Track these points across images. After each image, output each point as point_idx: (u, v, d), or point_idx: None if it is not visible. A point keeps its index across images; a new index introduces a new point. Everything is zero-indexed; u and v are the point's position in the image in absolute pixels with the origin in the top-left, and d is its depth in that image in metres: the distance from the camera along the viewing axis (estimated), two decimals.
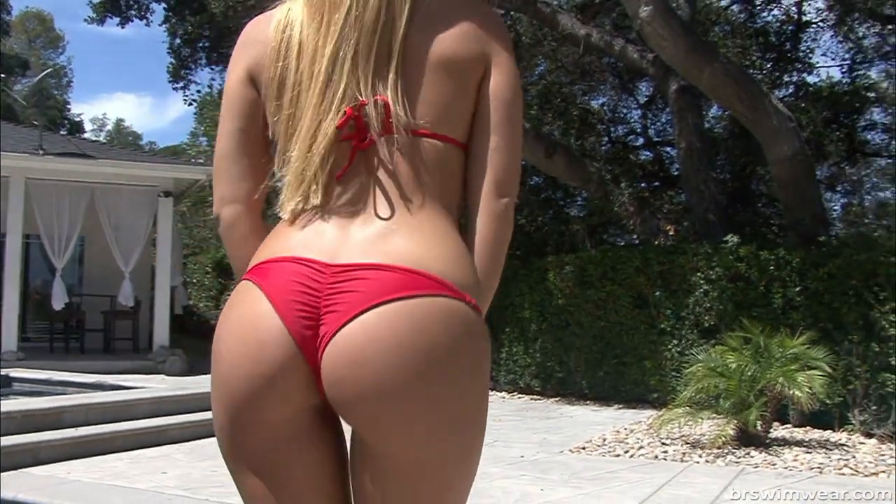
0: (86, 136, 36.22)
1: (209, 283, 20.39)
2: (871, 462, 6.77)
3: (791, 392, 7.01)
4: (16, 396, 8.72)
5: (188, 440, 7.54)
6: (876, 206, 21.13)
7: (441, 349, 1.35)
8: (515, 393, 11.63)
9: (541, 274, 11.39)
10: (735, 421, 7.26)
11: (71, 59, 53.77)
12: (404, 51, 1.48)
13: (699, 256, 9.61)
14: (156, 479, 5.89)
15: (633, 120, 18.51)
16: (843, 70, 16.56)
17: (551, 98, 15.83)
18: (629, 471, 6.49)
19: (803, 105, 14.86)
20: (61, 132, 26.97)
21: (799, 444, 7.52)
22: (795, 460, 6.79)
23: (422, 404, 1.35)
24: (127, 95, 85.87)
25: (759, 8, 15.86)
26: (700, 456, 7.03)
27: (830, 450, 7.27)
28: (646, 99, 17.76)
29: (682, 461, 6.93)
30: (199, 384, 10.49)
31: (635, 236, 14.68)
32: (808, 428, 8.28)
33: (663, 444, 7.58)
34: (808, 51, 16.05)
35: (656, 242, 12.08)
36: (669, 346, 9.79)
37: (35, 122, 16.02)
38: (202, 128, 28.40)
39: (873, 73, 17.11)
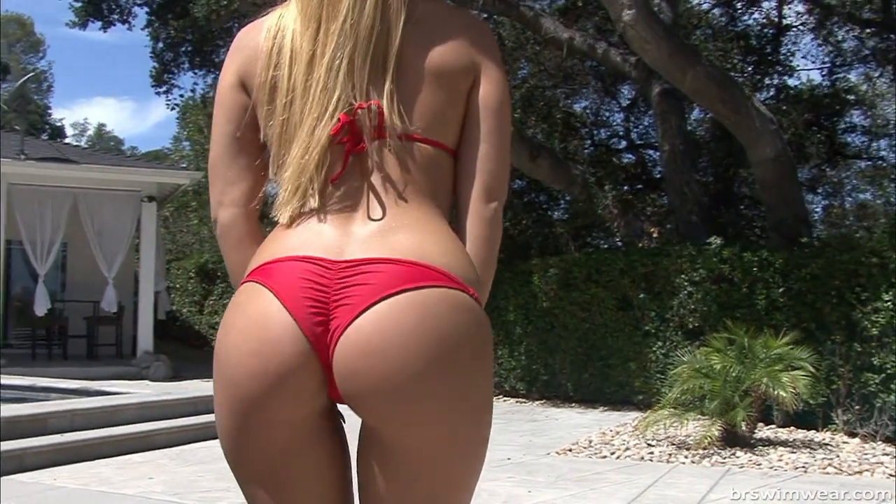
0: (67, 141, 35.96)
1: (192, 288, 20.29)
2: (854, 461, 6.83)
3: (776, 392, 7.06)
4: None
5: (174, 445, 7.52)
6: (856, 207, 21.31)
7: (452, 338, 1.38)
8: (501, 396, 11.65)
9: (525, 277, 11.41)
10: (720, 422, 7.30)
11: (51, 63, 53.38)
12: (398, 59, 1.51)
13: (683, 258, 9.65)
14: (143, 485, 5.87)
15: (615, 123, 18.63)
16: (823, 73, 16.76)
17: (534, 101, 15.89)
18: (615, 472, 6.52)
19: (784, 108, 14.99)
20: (42, 137, 26.82)
21: (784, 444, 7.57)
22: (780, 460, 6.84)
23: (437, 392, 1.37)
24: (107, 100, 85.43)
25: (740, 11, 15.98)
26: (686, 457, 7.07)
27: (815, 449, 7.32)
28: (628, 102, 17.86)
29: (668, 462, 6.96)
30: (184, 389, 10.47)
31: (619, 239, 14.74)
32: (792, 428, 8.33)
33: (649, 445, 7.61)
34: (788, 54, 16.22)
35: (640, 245, 12.14)
36: (654, 348, 9.83)
37: (16, 127, 15.90)
38: (185, 132, 28.31)
39: (853, 76, 17.34)
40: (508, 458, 6.94)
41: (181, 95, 17.07)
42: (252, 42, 1.59)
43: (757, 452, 7.12)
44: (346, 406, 1.49)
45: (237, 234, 1.63)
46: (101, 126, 54.38)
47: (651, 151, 17.56)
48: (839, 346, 8.09)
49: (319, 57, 1.49)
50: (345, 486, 1.53)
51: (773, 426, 8.43)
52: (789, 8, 15.80)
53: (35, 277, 13.72)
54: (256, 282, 1.46)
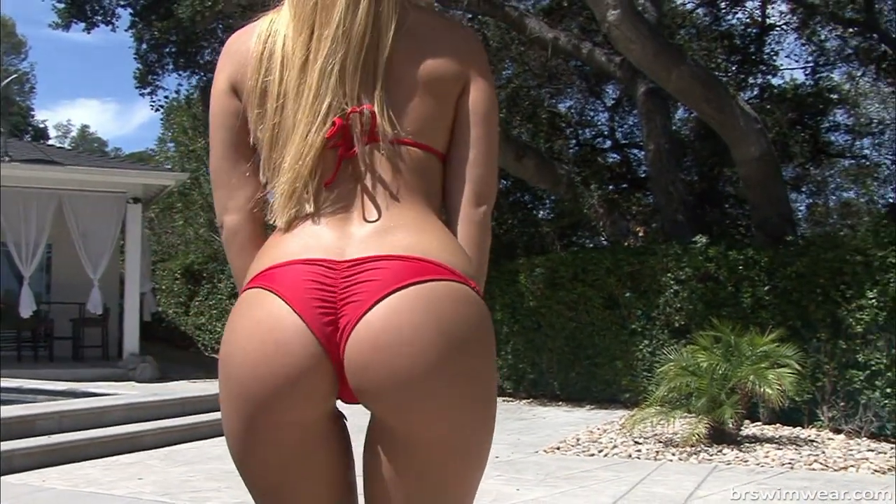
0: (51, 142, 35.82)
1: (178, 289, 20.26)
2: (840, 457, 6.88)
3: (762, 390, 7.11)
4: None
5: (162, 446, 7.52)
6: (840, 205, 21.43)
7: (461, 330, 1.41)
8: None
9: (511, 276, 11.44)
10: (707, 419, 7.35)
11: (34, 65, 53.16)
12: (389, 66, 1.53)
13: (669, 257, 9.70)
14: (132, 486, 5.87)
15: (600, 123, 18.67)
16: (807, 72, 16.83)
17: (519, 101, 15.90)
18: (603, 470, 6.55)
19: (768, 107, 15.08)
20: (26, 139, 26.68)
21: (770, 440, 7.62)
22: (767, 457, 6.89)
23: (450, 383, 1.39)
24: (90, 101, 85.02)
25: (724, 11, 16.05)
26: (673, 454, 7.11)
27: (800, 446, 7.38)
28: (613, 102, 17.90)
29: (655, 459, 7.00)
30: (170, 390, 10.46)
31: (605, 238, 14.79)
32: (778, 425, 8.39)
33: (637, 443, 7.65)
34: (772, 53, 16.30)
35: (626, 244, 12.19)
36: (640, 347, 9.88)
37: None
38: (169, 133, 28.16)
39: (836, 76, 17.42)
40: (497, 457, 6.96)
41: (165, 97, 17.00)
42: (243, 47, 1.60)
43: (743, 449, 7.17)
44: (345, 406, 1.51)
45: (242, 239, 1.64)
46: (84, 127, 54.03)
47: (636, 151, 17.61)
48: (824, 344, 8.15)
49: (312, 62, 1.51)
50: (350, 487, 1.55)
51: (759, 423, 8.48)
52: (773, 7, 15.90)
53: (20, 279, 13.63)
54: (261, 287, 1.47)
